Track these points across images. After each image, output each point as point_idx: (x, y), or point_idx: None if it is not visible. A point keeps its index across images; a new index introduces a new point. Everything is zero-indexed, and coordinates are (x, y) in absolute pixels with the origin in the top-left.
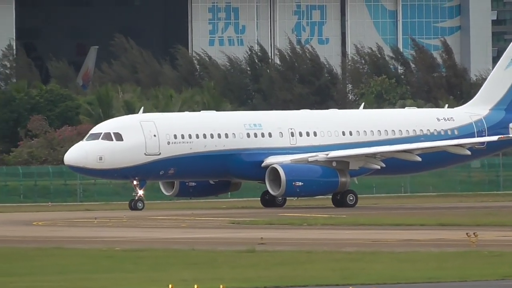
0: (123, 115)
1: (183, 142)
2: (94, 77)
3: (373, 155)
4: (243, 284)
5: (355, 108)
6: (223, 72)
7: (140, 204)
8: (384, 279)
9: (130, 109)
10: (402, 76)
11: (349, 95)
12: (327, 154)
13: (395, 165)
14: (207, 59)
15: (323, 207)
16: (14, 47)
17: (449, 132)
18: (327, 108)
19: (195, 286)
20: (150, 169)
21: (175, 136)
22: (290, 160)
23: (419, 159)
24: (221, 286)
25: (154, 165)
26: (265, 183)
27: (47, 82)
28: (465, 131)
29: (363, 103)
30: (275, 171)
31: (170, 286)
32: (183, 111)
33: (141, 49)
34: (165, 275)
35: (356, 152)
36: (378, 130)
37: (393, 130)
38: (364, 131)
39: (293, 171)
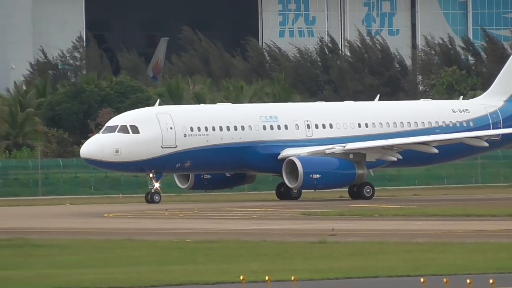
0: None
1: (200, 135)
2: (164, 68)
3: (390, 147)
4: (314, 275)
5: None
6: (294, 63)
7: (157, 197)
8: (455, 270)
9: (201, 101)
10: (473, 67)
11: (419, 86)
12: (344, 146)
13: (412, 156)
14: (277, 50)
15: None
16: (85, 39)
17: (464, 124)
18: (398, 99)
19: (266, 277)
20: (166, 162)
21: (192, 129)
22: (307, 152)
23: (436, 151)
24: (292, 278)
25: (170, 157)
26: (280, 176)
27: (117, 74)
28: (481, 123)
29: (378, 95)
30: (292, 164)
31: (241, 277)
32: (254, 102)
33: (210, 41)
34: (236, 267)
35: (374, 144)
36: (394, 122)
37: (408, 122)
38: (380, 123)
39: (310, 164)
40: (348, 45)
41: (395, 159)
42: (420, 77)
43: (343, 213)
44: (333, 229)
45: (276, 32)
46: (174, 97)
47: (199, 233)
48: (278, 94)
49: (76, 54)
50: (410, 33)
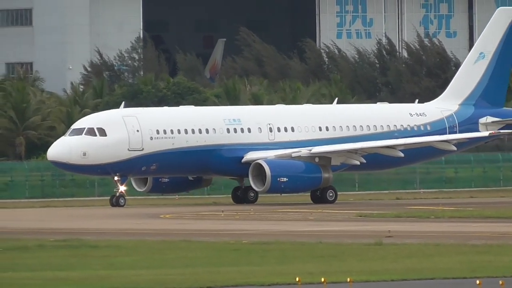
0: None
1: (166, 138)
2: (221, 70)
3: (356, 151)
4: (370, 277)
5: None
6: (352, 64)
7: (122, 200)
8: (511, 272)
9: (258, 102)
10: None
11: None
12: (310, 150)
13: (375, 160)
14: (336, 51)
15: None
16: (142, 40)
17: (422, 128)
18: None
19: (322, 279)
20: (132, 165)
21: (158, 132)
22: (274, 155)
23: (402, 154)
24: (348, 279)
25: (137, 160)
26: (237, 179)
27: (174, 75)
28: (437, 127)
29: (336, 98)
30: (259, 167)
31: (297, 279)
32: (312, 103)
33: (265, 43)
34: (291, 268)
35: (340, 148)
36: (354, 126)
37: (368, 126)
38: (340, 126)
39: (278, 167)
40: (405, 47)
41: (358, 162)
42: None
43: (400, 215)
44: (389, 231)
45: (334, 34)
46: (231, 98)
47: (255, 234)
48: (335, 96)
49: (134, 55)
50: (468, 35)
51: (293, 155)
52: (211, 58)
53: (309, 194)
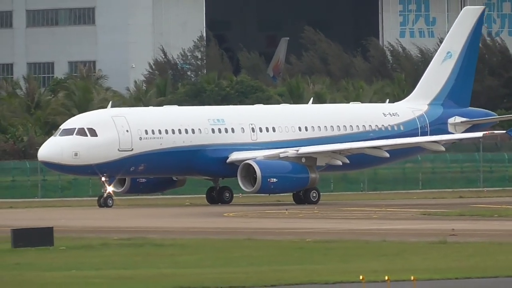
0: None
1: (154, 138)
2: (284, 68)
3: (341, 151)
4: (434, 275)
5: None
6: (416, 63)
7: (110, 201)
8: None
9: (321, 101)
10: None
11: None
12: (298, 150)
13: (357, 160)
14: (400, 50)
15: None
16: (205, 39)
17: (395, 128)
18: None
19: (386, 277)
20: (122, 165)
21: (146, 132)
22: (263, 156)
23: (388, 155)
24: (411, 277)
25: (126, 161)
26: (212, 180)
27: (237, 73)
28: (410, 127)
29: (311, 98)
30: (248, 167)
31: (360, 277)
32: (374, 102)
33: (330, 41)
34: (355, 266)
35: (328, 148)
36: (331, 126)
37: (344, 126)
38: (318, 126)
39: (268, 168)
40: None
41: (340, 163)
42: None
43: (463, 213)
44: (453, 229)
45: (397, 33)
46: (294, 97)
47: (319, 232)
48: (398, 95)
49: (197, 54)
50: None
51: (281, 155)
52: (274, 56)
53: (291, 195)
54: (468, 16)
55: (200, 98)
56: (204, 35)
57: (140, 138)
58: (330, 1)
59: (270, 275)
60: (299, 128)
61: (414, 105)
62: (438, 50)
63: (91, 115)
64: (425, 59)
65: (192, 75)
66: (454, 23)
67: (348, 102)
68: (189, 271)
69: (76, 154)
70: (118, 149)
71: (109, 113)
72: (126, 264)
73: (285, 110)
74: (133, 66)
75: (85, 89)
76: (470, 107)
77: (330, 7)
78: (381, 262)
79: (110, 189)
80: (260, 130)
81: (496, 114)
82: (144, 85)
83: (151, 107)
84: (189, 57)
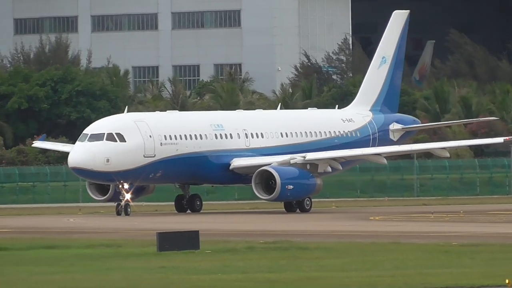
0: (459, 110)
1: (172, 144)
2: (429, 72)
3: (338, 158)
4: None
5: None
6: None
7: (129, 209)
8: None
9: (467, 105)
10: None
11: None
12: (305, 157)
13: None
14: None
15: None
16: (350, 42)
17: (353, 134)
18: None
19: None
20: (144, 172)
21: (165, 137)
22: (277, 162)
23: (386, 162)
24: None
25: (148, 167)
26: (180, 187)
27: None
28: (364, 133)
29: (279, 103)
30: (265, 174)
31: (507, 281)
32: None
33: (476, 44)
34: (501, 270)
35: (333, 155)
36: (301, 132)
37: (314, 132)
38: (296, 132)
39: (285, 174)
40: None
41: (330, 170)
42: None
43: None
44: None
45: None
46: (440, 100)
47: (465, 236)
48: None
49: (342, 57)
50: None
51: (291, 161)
52: (420, 60)
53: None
54: (397, 20)
55: (346, 101)
56: (349, 37)
57: (161, 144)
58: (475, 4)
59: (416, 279)
60: (281, 134)
61: (358, 111)
62: (375, 55)
63: (115, 120)
64: None
65: (338, 78)
66: (386, 27)
67: (494, 106)
68: (335, 274)
69: (108, 160)
70: (144, 155)
71: (131, 117)
72: (272, 267)
73: (260, 115)
74: (279, 69)
75: (232, 92)
76: (399, 114)
77: (475, 10)
78: None
79: (128, 196)
80: (252, 135)
81: (419, 120)
82: (290, 88)
83: (157, 111)
84: (333, 59)
